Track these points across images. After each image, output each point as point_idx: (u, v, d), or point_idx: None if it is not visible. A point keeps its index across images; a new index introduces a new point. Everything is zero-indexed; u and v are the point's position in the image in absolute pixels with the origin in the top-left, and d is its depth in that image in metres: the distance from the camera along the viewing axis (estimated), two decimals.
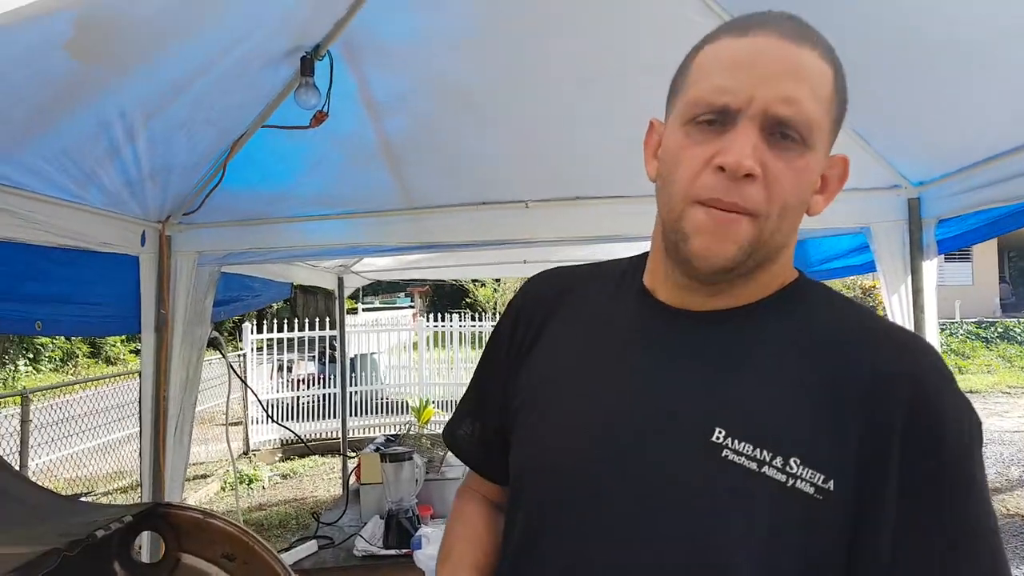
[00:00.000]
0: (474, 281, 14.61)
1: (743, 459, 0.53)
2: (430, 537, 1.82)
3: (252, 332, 7.11)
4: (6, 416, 4.20)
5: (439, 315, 8.55)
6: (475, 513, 0.75)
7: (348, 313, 6.53)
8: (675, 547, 0.54)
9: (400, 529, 2.02)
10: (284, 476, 6.07)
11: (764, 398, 0.55)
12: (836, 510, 0.51)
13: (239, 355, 6.94)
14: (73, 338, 12.01)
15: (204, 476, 5.78)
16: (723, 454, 0.54)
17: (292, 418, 7.15)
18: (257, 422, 6.78)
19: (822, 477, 0.52)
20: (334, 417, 7.08)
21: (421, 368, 8.13)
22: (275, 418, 6.74)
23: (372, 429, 7.19)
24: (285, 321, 7.44)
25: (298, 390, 7.47)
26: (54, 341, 12.04)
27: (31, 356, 11.82)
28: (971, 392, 9.40)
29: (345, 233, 2.05)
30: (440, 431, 0.90)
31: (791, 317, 0.59)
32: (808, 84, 0.54)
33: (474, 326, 8.26)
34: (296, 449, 6.64)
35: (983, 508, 0.52)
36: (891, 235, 1.87)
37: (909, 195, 1.85)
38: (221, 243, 2.00)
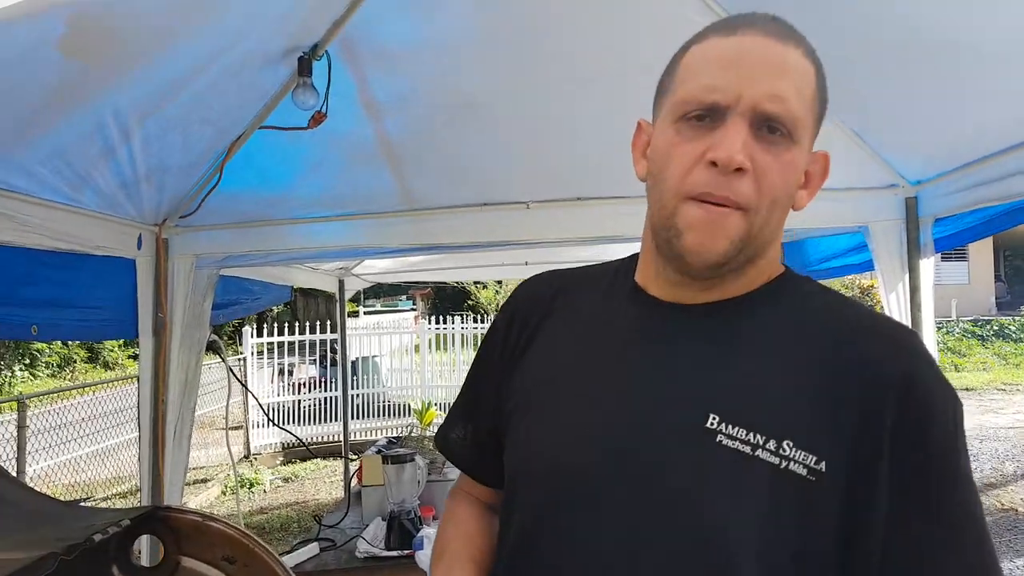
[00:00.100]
0: (476, 283, 14.61)
1: (737, 443, 0.54)
2: (432, 538, 1.81)
3: (252, 336, 7.11)
4: (2, 422, 4.18)
5: (441, 318, 8.55)
6: (468, 514, 0.75)
7: (349, 316, 6.53)
8: (674, 533, 0.54)
9: (402, 530, 2.01)
10: (285, 480, 6.06)
11: (756, 384, 0.57)
12: (829, 491, 0.53)
13: (239, 359, 6.93)
14: (70, 343, 11.97)
15: (205, 480, 5.76)
16: (718, 439, 0.55)
17: (293, 422, 7.14)
18: (258, 426, 6.77)
19: (814, 459, 0.53)
20: (335, 420, 7.07)
21: (423, 371, 8.13)
22: (276, 421, 6.73)
23: (374, 432, 7.17)
24: (285, 325, 7.44)
25: (299, 394, 7.46)
26: (51, 346, 12.00)
27: (27, 362, 11.78)
28: (967, 389, 9.46)
29: (345, 235, 2.05)
30: None
31: (780, 307, 0.61)
32: (793, 81, 0.56)
33: (476, 328, 8.26)
34: (297, 452, 6.63)
35: (969, 494, 0.54)
36: (889, 234, 1.88)
37: (906, 194, 1.85)
38: (219, 246, 1.99)
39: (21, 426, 3.92)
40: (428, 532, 1.89)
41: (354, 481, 2.60)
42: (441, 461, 2.53)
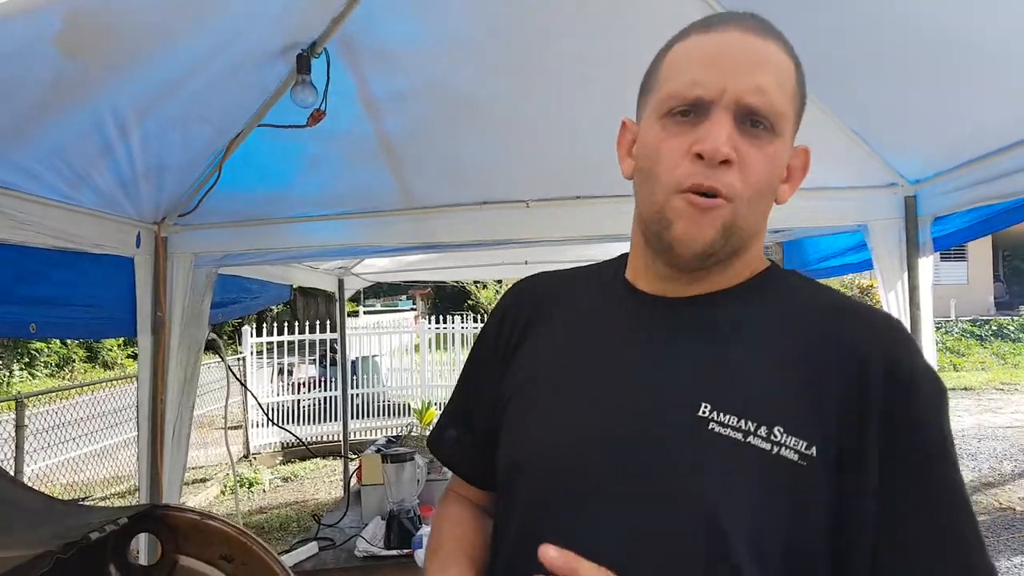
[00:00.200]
0: (476, 283, 14.60)
1: (729, 431, 0.55)
2: None
3: (252, 335, 7.10)
4: (0, 422, 4.17)
5: (441, 317, 8.55)
6: (461, 514, 0.75)
7: (349, 316, 6.53)
8: (673, 524, 0.55)
9: (401, 529, 2.01)
10: (285, 479, 6.06)
11: (746, 373, 0.58)
12: (820, 475, 0.54)
13: (239, 358, 6.92)
14: (69, 343, 11.96)
15: (204, 480, 5.76)
16: (710, 427, 0.56)
17: (293, 421, 7.14)
18: (257, 425, 6.76)
19: (805, 444, 0.54)
20: (335, 420, 7.07)
21: (423, 370, 8.13)
22: (275, 421, 6.73)
23: (373, 431, 7.17)
24: (285, 324, 7.43)
25: (298, 393, 7.46)
26: (50, 346, 11.99)
27: (26, 361, 11.76)
28: (966, 389, 9.48)
29: (345, 233, 2.04)
30: None
31: (767, 299, 0.62)
32: (774, 76, 0.57)
33: (476, 328, 8.26)
34: (297, 452, 6.63)
35: (954, 471, 0.56)
36: (888, 233, 1.88)
37: (905, 193, 1.86)
38: (218, 244, 1.98)
39: (19, 426, 3.91)
40: (427, 531, 1.88)
41: (353, 480, 2.59)
42: None
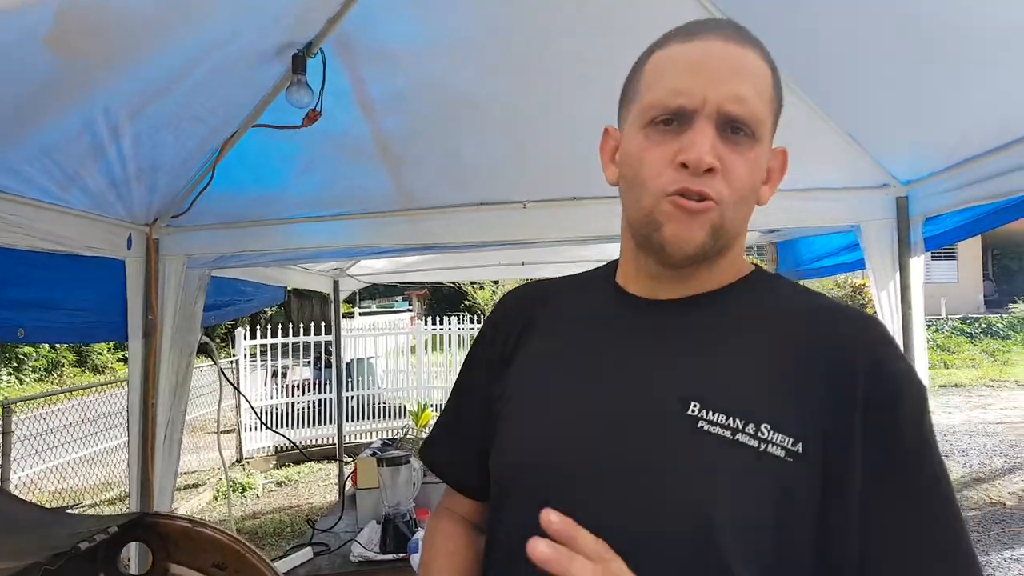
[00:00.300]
0: (472, 283, 14.58)
1: (718, 428, 0.57)
2: None
3: (245, 338, 7.05)
4: None
5: (437, 318, 8.53)
6: (452, 530, 0.75)
7: (345, 317, 6.50)
8: (666, 525, 0.56)
9: (397, 533, 1.99)
10: (279, 483, 6.02)
11: (734, 372, 0.60)
12: (806, 471, 0.55)
13: (232, 361, 6.88)
14: (58, 347, 11.84)
15: (196, 485, 5.71)
16: (699, 425, 0.57)
17: (287, 424, 7.09)
18: (250, 429, 6.71)
19: (791, 441, 0.56)
20: (330, 423, 7.03)
21: (419, 372, 8.10)
22: (269, 424, 6.68)
23: (369, 434, 7.14)
24: (279, 326, 7.38)
25: (293, 396, 7.41)
26: (38, 350, 11.86)
27: (14, 366, 11.63)
28: (956, 386, 9.64)
29: (340, 235, 2.03)
30: None
31: (753, 300, 0.65)
32: (753, 83, 0.59)
33: (472, 329, 8.25)
34: (291, 456, 6.59)
35: (938, 466, 0.57)
36: (880, 233, 1.89)
37: (897, 193, 1.87)
38: (211, 246, 1.96)
39: (5, 432, 3.85)
40: (423, 535, 1.87)
41: (348, 484, 2.57)
42: None
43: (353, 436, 6.88)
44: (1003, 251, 17.87)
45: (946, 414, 7.65)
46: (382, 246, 2.06)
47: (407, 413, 7.23)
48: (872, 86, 1.56)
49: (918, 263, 1.89)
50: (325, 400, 7.24)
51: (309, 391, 7.53)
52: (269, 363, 7.25)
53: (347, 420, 6.96)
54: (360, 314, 13.98)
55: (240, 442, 6.61)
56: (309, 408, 7.31)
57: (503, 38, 1.62)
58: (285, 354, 7.38)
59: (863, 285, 12.29)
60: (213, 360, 2.19)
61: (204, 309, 2.04)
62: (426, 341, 8.23)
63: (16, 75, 1.09)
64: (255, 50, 1.49)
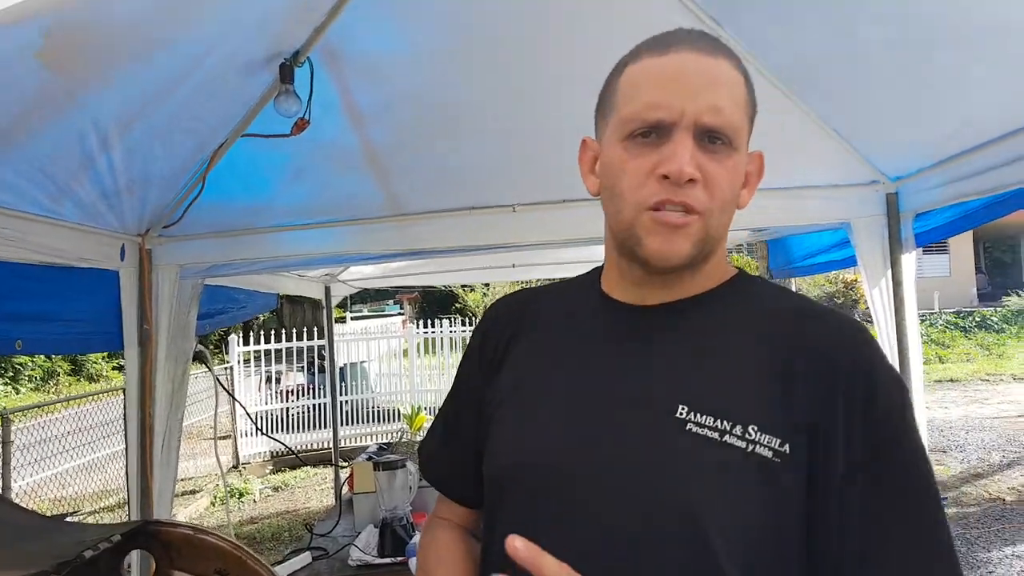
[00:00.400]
0: (463, 286, 14.57)
1: (706, 430, 0.58)
2: None
3: (239, 344, 7.03)
4: None
5: (429, 321, 8.52)
6: (449, 538, 0.76)
7: (336, 322, 6.48)
8: (652, 519, 0.57)
9: (395, 537, 2.00)
10: (275, 489, 6.00)
11: (721, 374, 0.61)
12: (793, 471, 0.56)
13: (226, 368, 6.85)
14: (54, 356, 11.76)
15: (193, 492, 5.69)
16: (687, 427, 0.58)
17: (282, 430, 7.07)
18: (246, 435, 6.69)
19: (778, 441, 0.57)
20: (325, 427, 7.01)
21: (412, 375, 8.09)
22: (264, 430, 6.66)
23: (364, 438, 7.13)
24: (272, 332, 7.37)
25: (287, 401, 7.39)
26: (34, 360, 11.78)
27: (11, 376, 11.56)
28: (952, 381, 9.54)
29: (330, 241, 2.04)
30: None
31: (737, 304, 0.66)
32: (727, 92, 0.60)
33: (464, 331, 8.24)
34: (287, 461, 6.57)
35: (920, 459, 0.58)
36: (871, 230, 1.90)
37: (887, 190, 1.88)
38: (203, 255, 1.97)
39: (5, 441, 3.84)
40: (419, 546, 1.88)
41: (345, 489, 2.58)
42: None
43: (348, 440, 6.87)
44: (995, 244, 17.98)
45: (942, 409, 7.59)
46: (372, 252, 2.07)
47: (401, 417, 7.22)
48: (859, 83, 1.57)
49: (910, 259, 1.89)
50: (319, 405, 7.23)
51: (303, 396, 7.51)
52: (263, 369, 7.23)
53: (342, 424, 6.94)
54: (352, 318, 13.94)
55: (236, 448, 6.59)
56: (303, 413, 7.30)
57: (486, 46, 1.62)
58: (279, 359, 7.36)
59: (855, 280, 12.34)
60: (208, 368, 2.20)
61: (198, 317, 2.04)
62: (418, 344, 8.22)
63: (9, 90, 1.11)
64: (243, 61, 1.50)
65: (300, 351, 7.57)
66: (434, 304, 18.06)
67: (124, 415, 1.92)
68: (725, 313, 0.65)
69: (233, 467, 6.46)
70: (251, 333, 7.53)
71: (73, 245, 1.62)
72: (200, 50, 1.36)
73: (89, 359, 12.85)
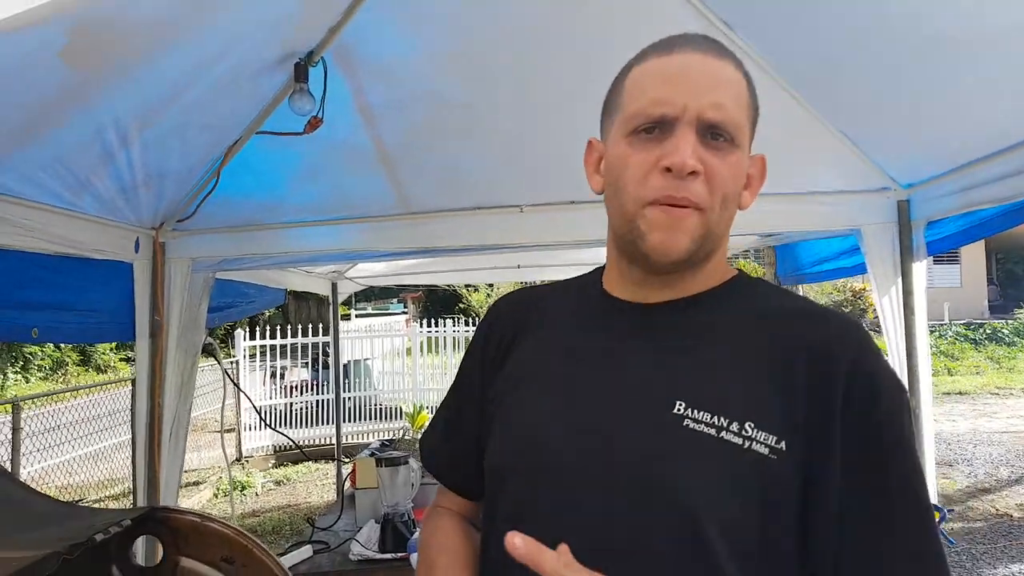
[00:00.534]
0: (467, 286, 14.59)
1: (703, 426, 0.58)
2: None
3: (245, 339, 7.08)
4: None
5: (432, 320, 8.54)
6: (450, 527, 0.76)
7: (341, 319, 6.52)
8: (649, 513, 0.58)
9: (396, 533, 2.01)
10: (277, 483, 6.04)
11: (718, 372, 0.61)
12: (789, 468, 0.57)
13: (232, 362, 6.90)
14: (63, 346, 11.90)
15: (197, 483, 5.73)
16: (684, 423, 0.59)
17: (285, 424, 7.11)
18: (249, 428, 6.74)
19: (775, 439, 0.57)
20: (327, 423, 7.05)
21: (415, 373, 8.11)
22: (271, 424, 6.70)
23: (366, 435, 7.16)
24: (278, 328, 7.41)
25: (291, 396, 7.43)
26: (43, 349, 11.92)
27: (21, 364, 11.69)
28: (960, 393, 9.35)
29: (341, 238, 2.06)
30: None
31: (736, 303, 0.66)
32: (730, 92, 0.62)
33: (467, 331, 8.25)
34: (289, 455, 6.60)
35: (913, 465, 0.59)
36: (881, 237, 1.88)
37: (898, 197, 1.86)
38: (215, 249, 2.00)
39: (15, 428, 3.89)
40: (421, 533, 1.89)
41: (347, 484, 2.59)
42: None
43: (350, 437, 6.90)
44: (1007, 255, 17.76)
45: (950, 422, 7.47)
46: (382, 249, 2.09)
47: (403, 415, 7.24)
48: (872, 89, 1.56)
49: (920, 268, 1.87)
50: (323, 401, 7.26)
51: (307, 392, 7.55)
52: (268, 364, 7.28)
53: (344, 421, 6.98)
54: (356, 316, 13.99)
55: (239, 441, 6.63)
56: (307, 409, 7.33)
57: (497, 49, 1.63)
58: (284, 355, 7.40)
59: (863, 290, 12.22)
60: (217, 360, 2.22)
61: (208, 310, 2.07)
62: (421, 343, 8.24)
63: (33, 86, 1.13)
64: (259, 59, 1.53)
65: (305, 347, 7.61)
66: (438, 304, 18.08)
67: (132, 405, 1.94)
68: (725, 312, 0.65)
69: (236, 460, 6.50)
70: (257, 328, 7.58)
71: (90, 237, 1.65)
72: (217, 49, 1.38)
73: (97, 350, 12.97)
